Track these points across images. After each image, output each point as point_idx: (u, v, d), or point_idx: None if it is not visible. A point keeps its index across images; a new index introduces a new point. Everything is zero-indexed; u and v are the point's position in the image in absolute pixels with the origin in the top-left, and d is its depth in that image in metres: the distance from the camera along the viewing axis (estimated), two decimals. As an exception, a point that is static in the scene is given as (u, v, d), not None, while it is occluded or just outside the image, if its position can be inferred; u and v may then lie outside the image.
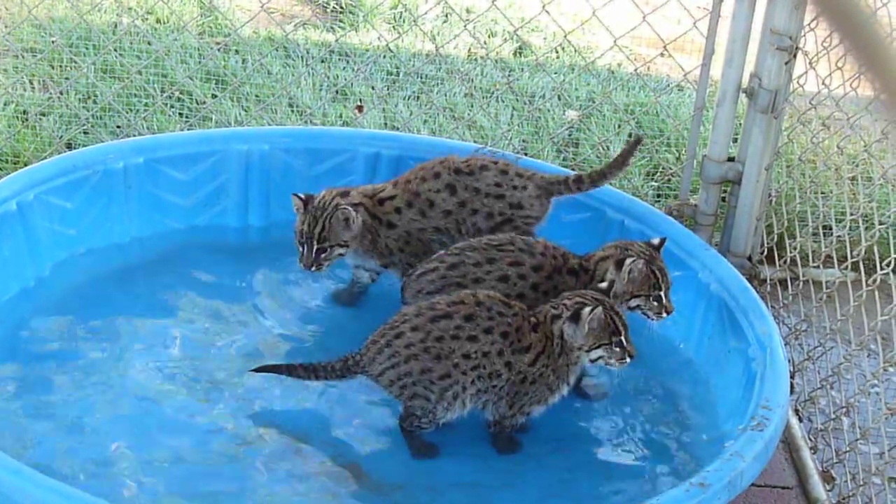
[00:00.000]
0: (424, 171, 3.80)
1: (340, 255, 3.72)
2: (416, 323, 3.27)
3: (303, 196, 3.71)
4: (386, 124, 5.07)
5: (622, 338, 3.29)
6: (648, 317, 3.56)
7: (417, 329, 3.26)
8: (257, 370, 3.40)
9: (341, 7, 6.05)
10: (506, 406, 3.33)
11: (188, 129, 4.62)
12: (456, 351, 3.24)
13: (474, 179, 3.78)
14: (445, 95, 5.33)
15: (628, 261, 3.48)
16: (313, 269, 3.68)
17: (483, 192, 3.77)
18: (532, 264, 3.55)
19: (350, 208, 3.65)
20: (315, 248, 3.66)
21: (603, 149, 5.00)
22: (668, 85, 5.58)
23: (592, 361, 3.33)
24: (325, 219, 3.65)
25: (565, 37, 5.07)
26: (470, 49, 5.83)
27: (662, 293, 3.53)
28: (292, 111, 5.05)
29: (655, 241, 3.64)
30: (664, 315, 3.55)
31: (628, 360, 3.31)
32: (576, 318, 3.27)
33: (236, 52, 5.42)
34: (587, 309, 3.25)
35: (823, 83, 4.10)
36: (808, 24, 4.08)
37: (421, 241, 3.78)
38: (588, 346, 3.29)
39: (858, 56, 1.17)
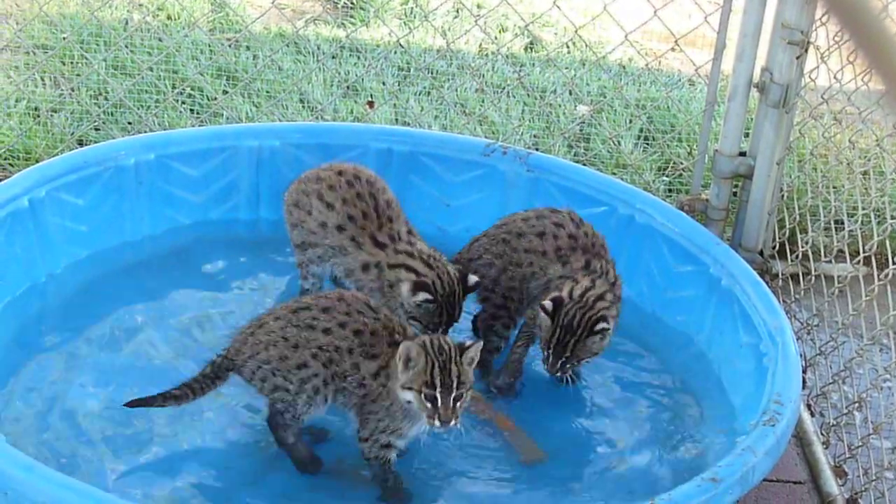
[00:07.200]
0: None
1: None
2: (279, 314, 3.24)
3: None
4: (397, 120, 5.07)
5: (436, 393, 2.97)
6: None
7: (279, 318, 3.22)
8: (129, 405, 3.19)
9: (352, 3, 6.05)
10: (360, 424, 3.16)
11: (199, 126, 4.62)
12: (311, 342, 3.16)
13: None
14: (456, 91, 5.33)
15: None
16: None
17: None
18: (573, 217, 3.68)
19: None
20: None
21: (614, 143, 5.00)
22: (680, 80, 5.57)
23: (406, 403, 3.03)
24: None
25: (576, 32, 5.06)
26: (481, 44, 5.83)
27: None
28: (303, 107, 5.05)
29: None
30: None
31: (437, 424, 2.97)
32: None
33: (247, 48, 5.42)
34: (405, 345, 3.00)
35: (835, 77, 4.09)
36: (820, 19, 4.07)
37: None
38: (402, 383, 3.02)
39: (867, 53, 1.16)
